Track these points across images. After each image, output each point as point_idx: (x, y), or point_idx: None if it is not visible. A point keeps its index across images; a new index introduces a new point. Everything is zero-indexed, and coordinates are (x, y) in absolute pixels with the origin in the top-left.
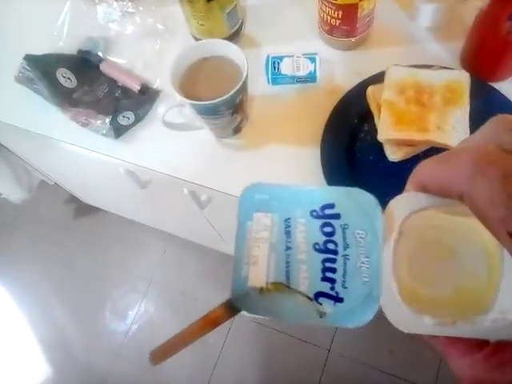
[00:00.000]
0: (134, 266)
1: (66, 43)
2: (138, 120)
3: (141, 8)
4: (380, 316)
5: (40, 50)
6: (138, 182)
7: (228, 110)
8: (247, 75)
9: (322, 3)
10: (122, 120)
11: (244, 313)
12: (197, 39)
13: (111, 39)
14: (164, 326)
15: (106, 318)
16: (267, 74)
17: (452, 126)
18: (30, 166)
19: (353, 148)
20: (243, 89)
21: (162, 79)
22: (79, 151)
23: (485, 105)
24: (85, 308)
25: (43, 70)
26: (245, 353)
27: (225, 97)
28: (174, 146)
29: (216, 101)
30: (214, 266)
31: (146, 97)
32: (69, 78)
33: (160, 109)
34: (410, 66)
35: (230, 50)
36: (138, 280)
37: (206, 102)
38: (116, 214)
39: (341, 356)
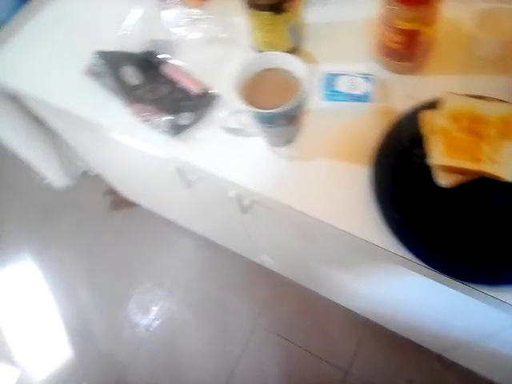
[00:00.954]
0: (162, 263)
1: (131, 43)
2: (195, 121)
3: (206, 16)
4: (401, 345)
5: (106, 47)
6: (185, 180)
7: (285, 121)
8: (307, 89)
9: (384, 26)
10: (181, 120)
11: None
12: (258, 51)
13: (175, 43)
14: (185, 325)
15: (130, 310)
16: (322, 90)
17: (505, 159)
18: (77, 154)
19: (403, 170)
20: (302, 101)
21: (219, 85)
22: (132, 145)
23: None
24: (111, 298)
25: (112, 65)
26: (262, 364)
27: (285, 107)
28: (226, 149)
29: (277, 110)
30: (243, 274)
31: (203, 100)
32: (134, 76)
33: (216, 113)
34: (466, 96)
35: (293, 64)
36: (165, 277)
37: (268, 111)
38: (152, 211)
39: (358, 379)
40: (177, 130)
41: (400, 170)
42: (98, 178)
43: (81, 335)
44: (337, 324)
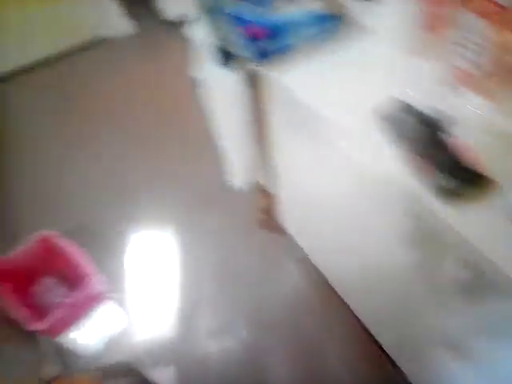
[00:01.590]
0: (283, 295)
1: (415, 100)
2: (462, 191)
3: (489, 107)
4: None
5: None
6: (408, 236)
7: None
8: None
9: None
10: (451, 184)
11: None
12: None
13: (457, 118)
14: (277, 359)
15: (238, 322)
16: None
17: None
18: (266, 166)
19: None
20: None
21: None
22: (386, 186)
23: None
24: (225, 301)
25: (416, 118)
26: None
27: None
28: (489, 226)
29: None
30: (351, 341)
31: (479, 178)
32: (417, 131)
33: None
34: None
35: None
36: (280, 308)
37: None
38: (297, 244)
39: None
40: (446, 193)
41: None
42: (263, 193)
43: (187, 321)
44: None
